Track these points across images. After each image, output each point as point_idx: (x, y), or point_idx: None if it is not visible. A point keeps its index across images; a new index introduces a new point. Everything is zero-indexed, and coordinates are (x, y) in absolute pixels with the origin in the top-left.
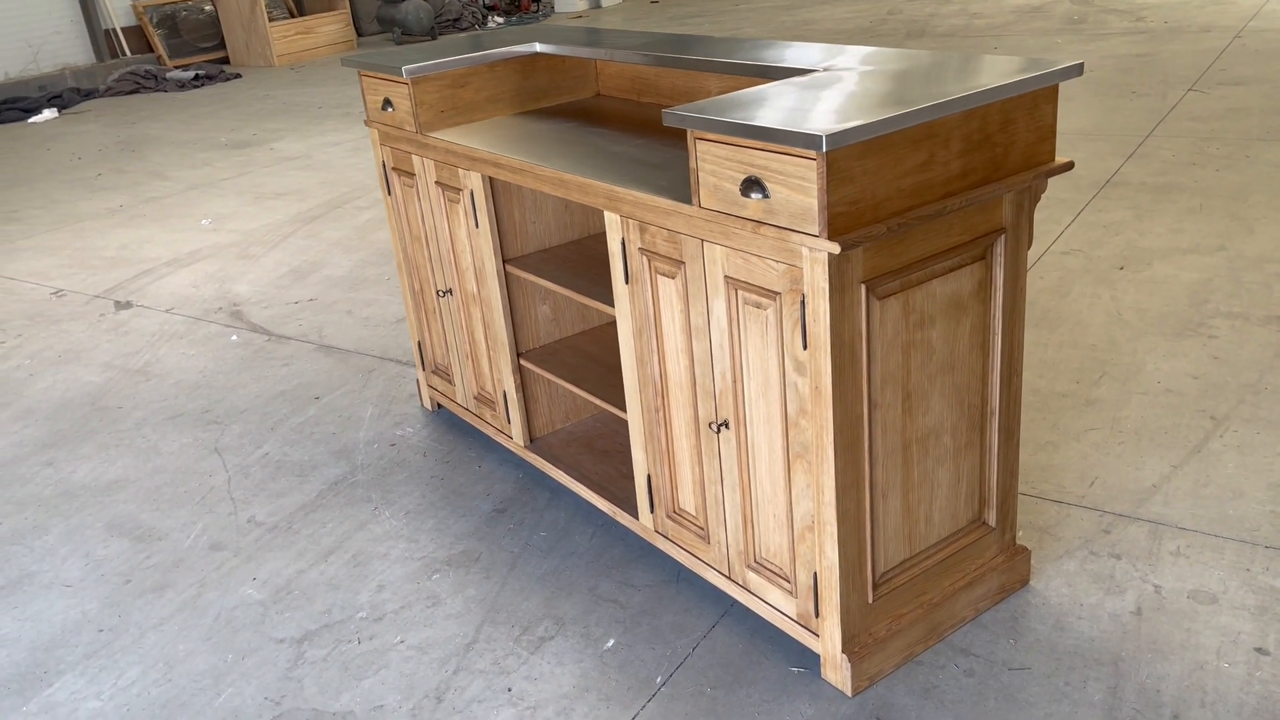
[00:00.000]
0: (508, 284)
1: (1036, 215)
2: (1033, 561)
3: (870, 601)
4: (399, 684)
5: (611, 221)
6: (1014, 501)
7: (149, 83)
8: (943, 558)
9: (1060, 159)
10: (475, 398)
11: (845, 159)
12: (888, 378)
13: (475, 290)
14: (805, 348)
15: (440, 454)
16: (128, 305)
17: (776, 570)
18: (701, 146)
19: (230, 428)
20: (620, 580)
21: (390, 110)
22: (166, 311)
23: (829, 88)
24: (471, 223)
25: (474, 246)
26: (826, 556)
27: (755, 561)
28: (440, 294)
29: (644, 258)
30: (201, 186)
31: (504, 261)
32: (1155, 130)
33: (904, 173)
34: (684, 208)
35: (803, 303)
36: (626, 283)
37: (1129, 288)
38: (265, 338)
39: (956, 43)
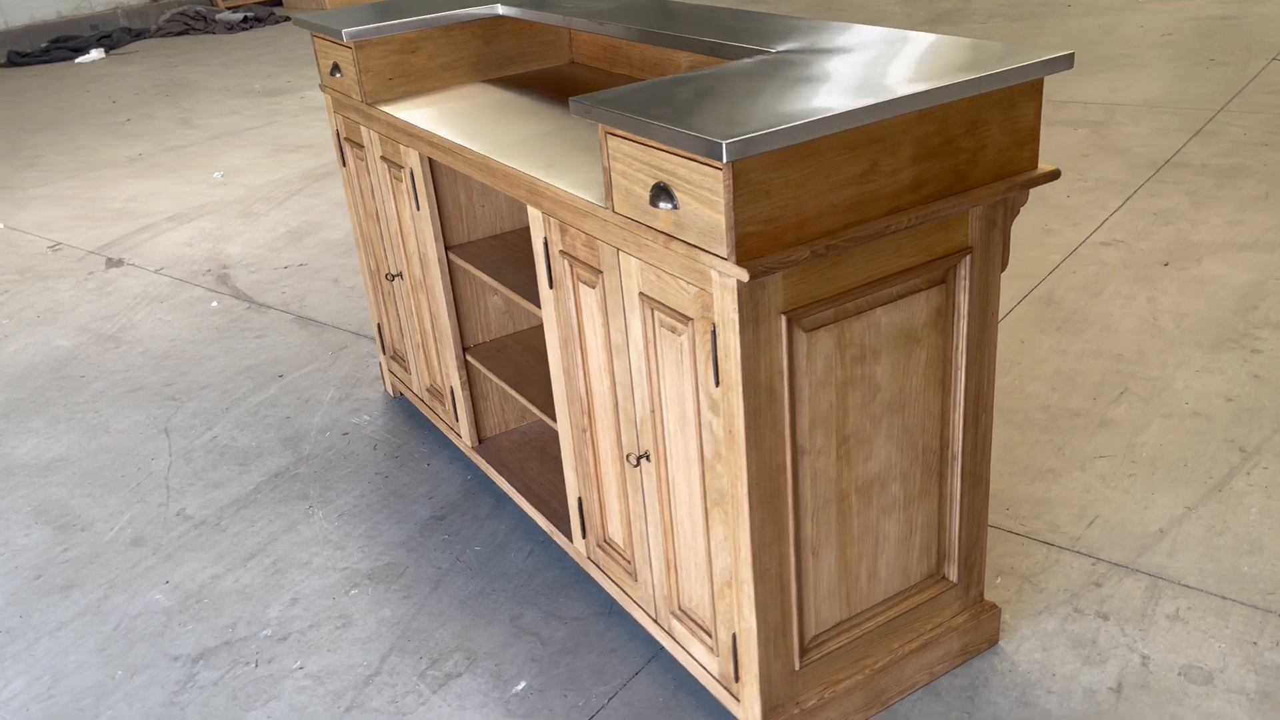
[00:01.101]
0: (451, 273)
1: (1079, 199)
2: (1007, 617)
3: (797, 669)
4: (307, 706)
5: (534, 217)
6: (981, 554)
7: (198, 24)
8: (890, 617)
9: (1044, 166)
10: (428, 390)
11: (757, 170)
12: (818, 421)
13: (421, 277)
14: (717, 384)
15: (391, 448)
16: (119, 263)
17: (699, 623)
18: (613, 143)
19: (186, 405)
20: (547, 610)
21: (339, 76)
22: (155, 272)
23: (776, 76)
24: (413, 204)
25: (417, 230)
26: (744, 619)
27: (679, 609)
28: (389, 277)
29: (565, 262)
30: (225, 136)
31: (446, 248)
32: (1229, 104)
33: (837, 185)
34: (600, 210)
35: (714, 333)
36: (550, 287)
37: (1170, 288)
38: (245, 305)
39: (1029, 9)
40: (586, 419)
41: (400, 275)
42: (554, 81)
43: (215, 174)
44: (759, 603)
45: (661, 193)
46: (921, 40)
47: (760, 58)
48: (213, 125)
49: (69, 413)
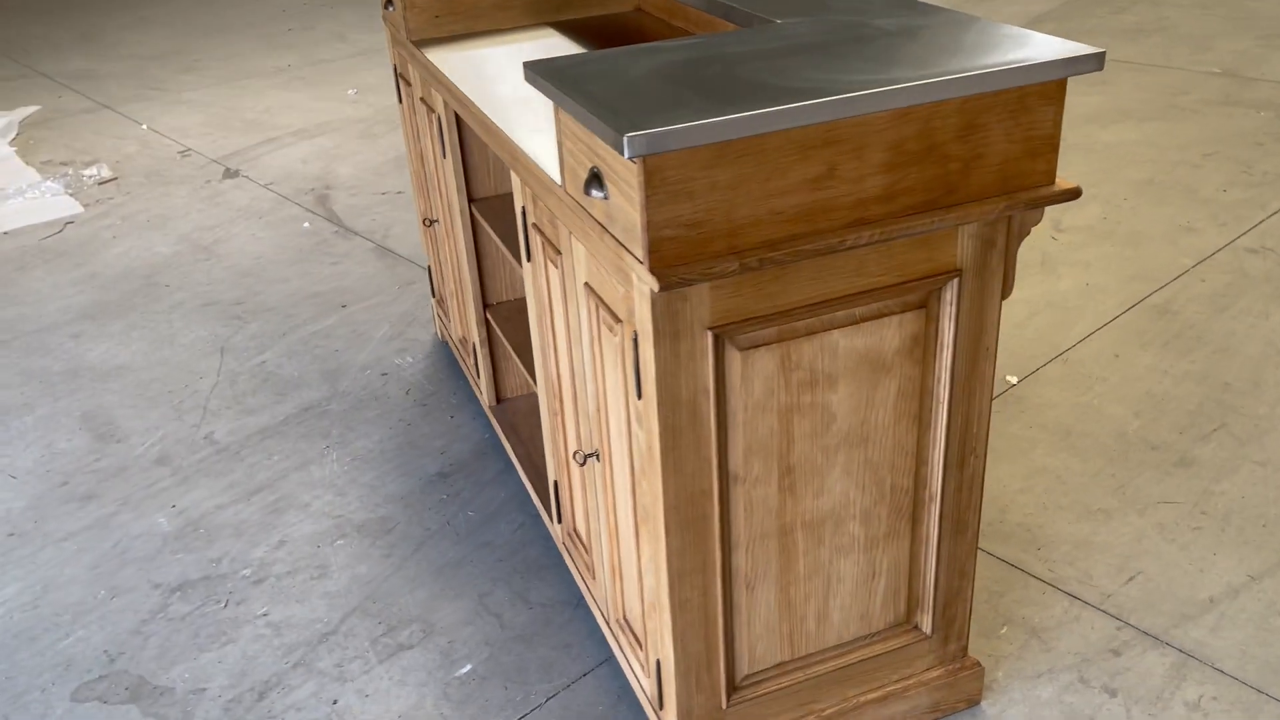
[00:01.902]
0: (474, 226)
1: (1236, 195)
2: (999, 675)
3: (724, 706)
4: (234, 666)
5: (515, 183)
6: (964, 606)
7: None
8: (845, 664)
9: (1062, 183)
10: (460, 340)
11: (677, 167)
12: (756, 447)
13: (450, 226)
14: (639, 396)
15: (422, 394)
16: (234, 175)
17: (636, 638)
18: (561, 117)
19: (248, 326)
20: (517, 591)
21: (391, 9)
22: (264, 186)
23: (752, 54)
24: (439, 151)
25: (443, 178)
26: (665, 645)
27: (623, 618)
28: (427, 222)
29: (536, 235)
30: (371, 53)
31: (470, 200)
32: None
33: (782, 190)
34: (556, 188)
35: (635, 340)
36: (528, 259)
37: None
38: (334, 229)
39: None
40: (557, 402)
41: (437, 221)
42: (613, 30)
43: (349, 91)
44: (676, 633)
45: (595, 179)
46: (960, 25)
47: (757, 29)
48: (364, 41)
49: (145, 320)
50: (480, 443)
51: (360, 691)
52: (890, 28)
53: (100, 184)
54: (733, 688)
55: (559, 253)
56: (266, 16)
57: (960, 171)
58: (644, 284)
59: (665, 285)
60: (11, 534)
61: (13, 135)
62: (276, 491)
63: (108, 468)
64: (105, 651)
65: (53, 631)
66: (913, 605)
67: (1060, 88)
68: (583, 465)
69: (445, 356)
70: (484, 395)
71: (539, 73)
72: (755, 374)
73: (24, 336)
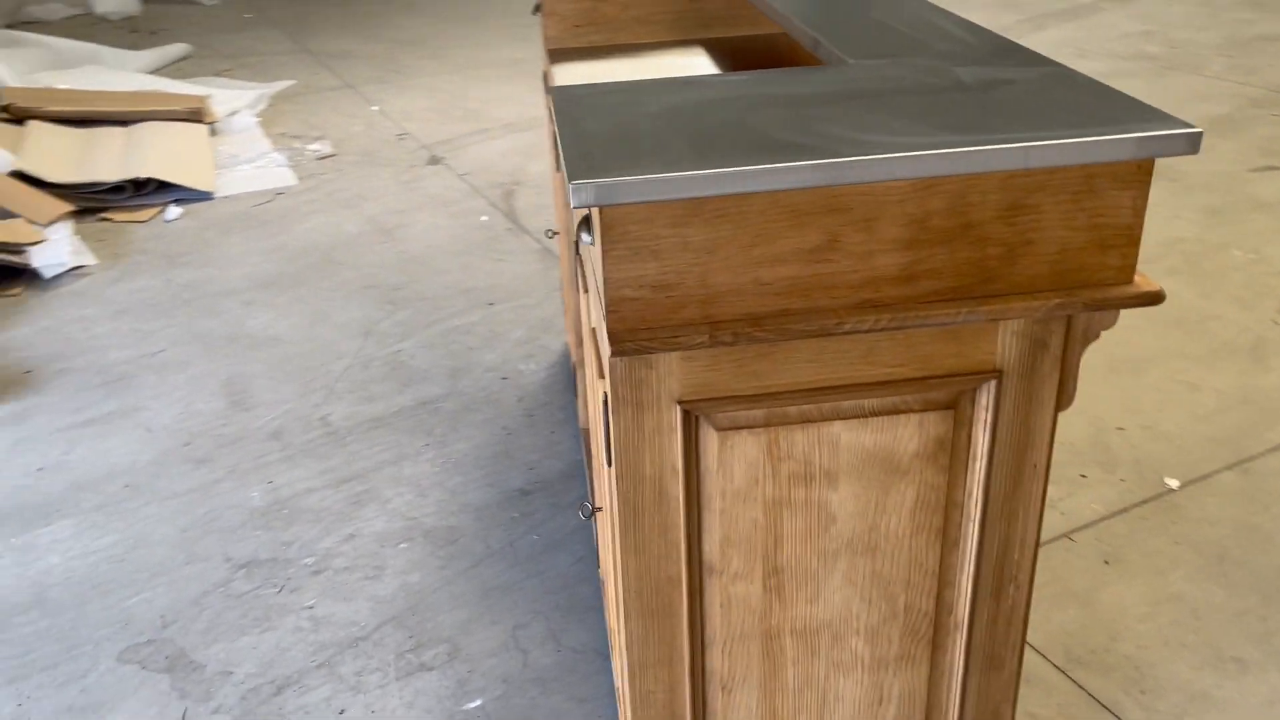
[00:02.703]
0: (577, 245)
1: None
2: None
3: None
4: (265, 655)
5: (556, 205)
6: None
7: None
8: None
9: (1143, 282)
10: (575, 354)
11: (639, 222)
12: (736, 540)
13: (564, 240)
14: (609, 464)
15: (533, 405)
16: (436, 162)
17: (628, 711)
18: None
19: (398, 313)
20: (553, 629)
21: (539, 14)
22: (460, 176)
23: (792, 97)
24: (555, 162)
25: (558, 190)
26: None
27: (622, 687)
28: (549, 234)
29: (579, 263)
30: None
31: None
32: None
33: (770, 258)
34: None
35: (606, 404)
36: (584, 290)
37: None
38: (508, 226)
39: None
40: (590, 442)
41: (557, 234)
42: (755, 52)
43: None
44: None
45: (584, 223)
46: (1053, 82)
47: (821, 70)
48: None
49: (309, 295)
50: (572, 464)
51: (368, 707)
52: (968, 79)
53: (319, 159)
54: None
55: (586, 290)
56: (518, 8)
57: (1002, 258)
58: (604, 345)
59: (619, 351)
60: (127, 485)
61: (262, 107)
62: (365, 483)
63: (228, 434)
64: (162, 617)
65: (126, 588)
66: None
67: (1141, 170)
68: (587, 519)
69: (568, 369)
70: (581, 416)
71: (558, 98)
72: (735, 459)
73: (205, 298)
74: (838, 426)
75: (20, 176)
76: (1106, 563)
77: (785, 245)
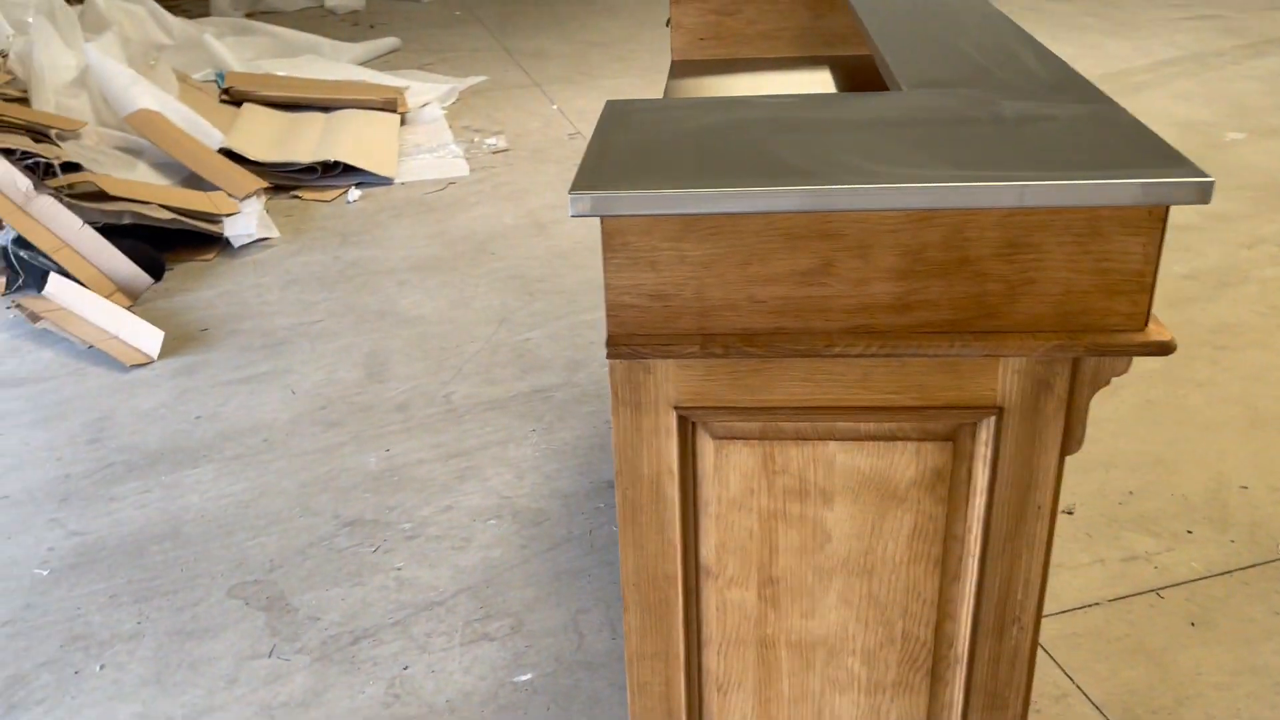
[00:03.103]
0: None
1: None
2: None
3: None
4: (349, 608)
5: None
6: None
7: None
8: None
9: (1155, 332)
10: None
11: (638, 233)
12: (732, 546)
13: None
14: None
15: None
16: None
17: None
18: None
19: (534, 303)
20: (612, 617)
21: (669, 26)
22: None
23: (824, 120)
24: None
25: None
26: None
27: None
28: None
29: None
30: None
31: None
32: None
33: (765, 277)
34: None
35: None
36: None
37: None
38: None
39: None
40: None
41: None
42: (871, 71)
43: None
44: (635, 713)
45: None
46: (1096, 121)
47: (872, 96)
48: None
49: (457, 280)
50: None
51: (430, 666)
52: (1009, 113)
53: (493, 153)
54: None
55: None
56: None
57: (1002, 295)
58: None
59: (614, 354)
60: (265, 440)
61: (452, 100)
62: (471, 460)
63: (360, 403)
64: (271, 560)
65: (246, 531)
66: None
67: (1152, 217)
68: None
69: None
70: None
71: (606, 112)
72: (731, 468)
73: (365, 275)
74: (833, 447)
75: (227, 153)
76: (1192, 624)
77: (779, 266)
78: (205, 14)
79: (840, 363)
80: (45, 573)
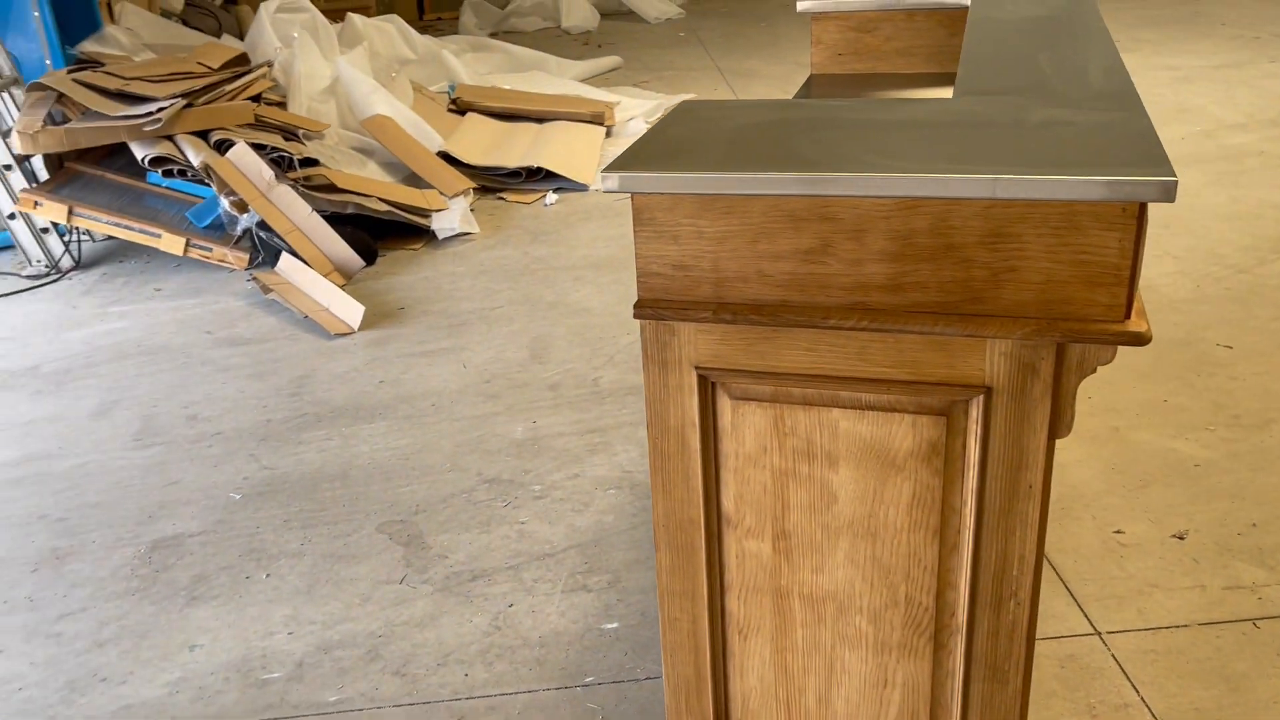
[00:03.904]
0: None
1: None
2: None
3: None
4: (474, 551)
5: None
6: None
7: None
8: None
9: (1135, 323)
10: None
11: (662, 210)
12: (748, 499)
13: None
14: None
15: None
16: None
17: None
18: None
19: None
20: None
21: (811, 43)
22: None
23: (875, 118)
24: None
25: None
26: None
27: None
28: None
29: None
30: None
31: None
32: None
33: (772, 254)
34: None
35: None
36: None
37: None
38: None
39: None
40: None
41: None
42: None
43: None
44: (666, 646)
45: None
46: (1112, 129)
47: (919, 101)
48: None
49: (626, 278)
50: None
51: (531, 607)
52: (1035, 118)
53: None
54: None
55: None
56: None
57: (986, 280)
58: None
59: (641, 314)
60: (433, 405)
61: (657, 116)
62: (604, 436)
63: (518, 380)
64: (417, 505)
65: (401, 479)
66: None
67: (1126, 214)
68: None
69: None
70: None
71: (678, 109)
72: (746, 426)
73: (546, 270)
74: (836, 413)
75: (445, 156)
76: None
77: (784, 244)
78: (454, 33)
79: (839, 335)
80: (238, 497)
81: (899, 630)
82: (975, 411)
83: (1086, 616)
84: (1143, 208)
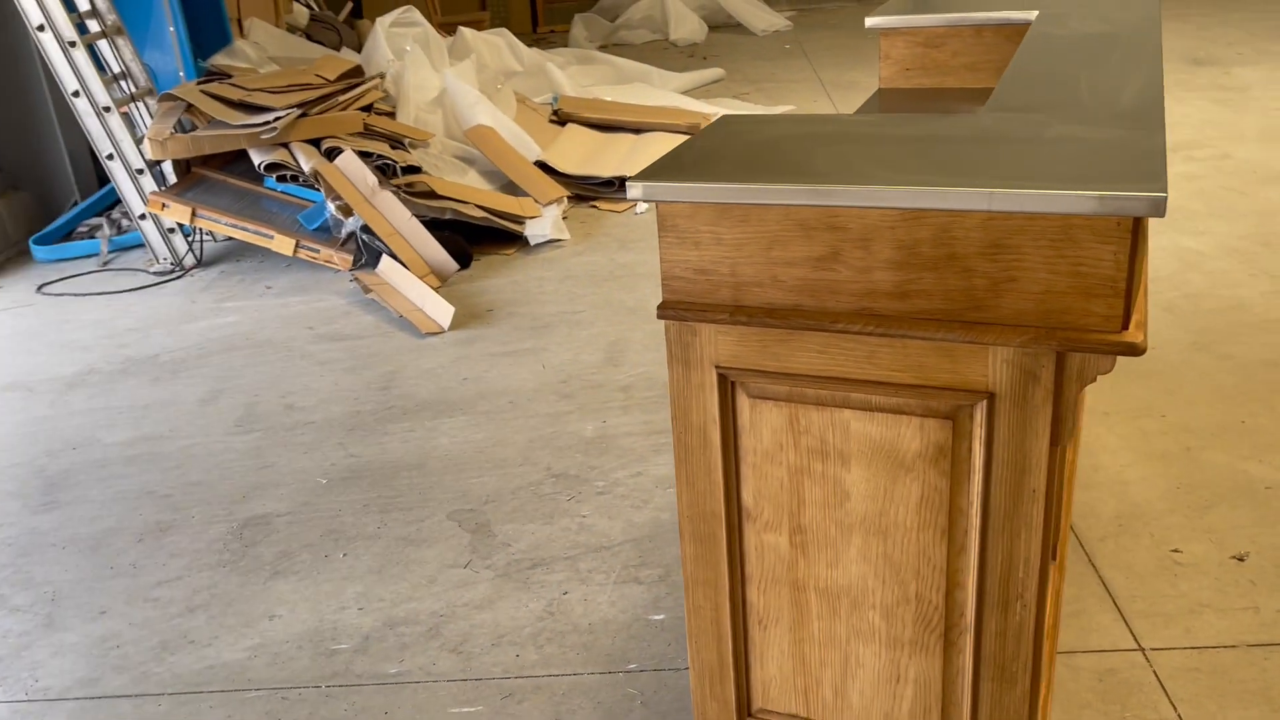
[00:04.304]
0: None
1: None
2: None
3: None
4: (536, 541)
5: None
6: None
7: None
8: None
9: (1130, 335)
10: None
11: (684, 217)
12: (766, 494)
13: None
14: None
15: None
16: None
17: None
18: None
19: None
20: None
21: (879, 58)
22: None
23: (896, 132)
24: None
25: None
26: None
27: None
28: None
29: None
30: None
31: None
32: None
33: (785, 261)
34: None
35: None
36: None
37: None
38: None
39: None
40: None
41: None
42: None
43: None
44: (691, 632)
45: None
46: (1123, 147)
47: (942, 117)
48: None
49: None
50: None
51: (584, 596)
52: (1051, 134)
53: None
54: (746, 712)
55: None
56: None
57: (988, 289)
58: None
59: (665, 315)
60: (510, 402)
61: None
62: (668, 438)
63: (593, 381)
64: (487, 496)
65: (473, 471)
66: None
67: (1120, 227)
68: None
69: None
70: None
71: (717, 123)
72: (763, 424)
73: (630, 277)
74: (848, 414)
75: (542, 165)
76: None
77: (797, 251)
78: (564, 45)
79: (849, 339)
80: (324, 481)
81: (910, 627)
82: (979, 416)
83: (1131, 631)
84: (1137, 222)
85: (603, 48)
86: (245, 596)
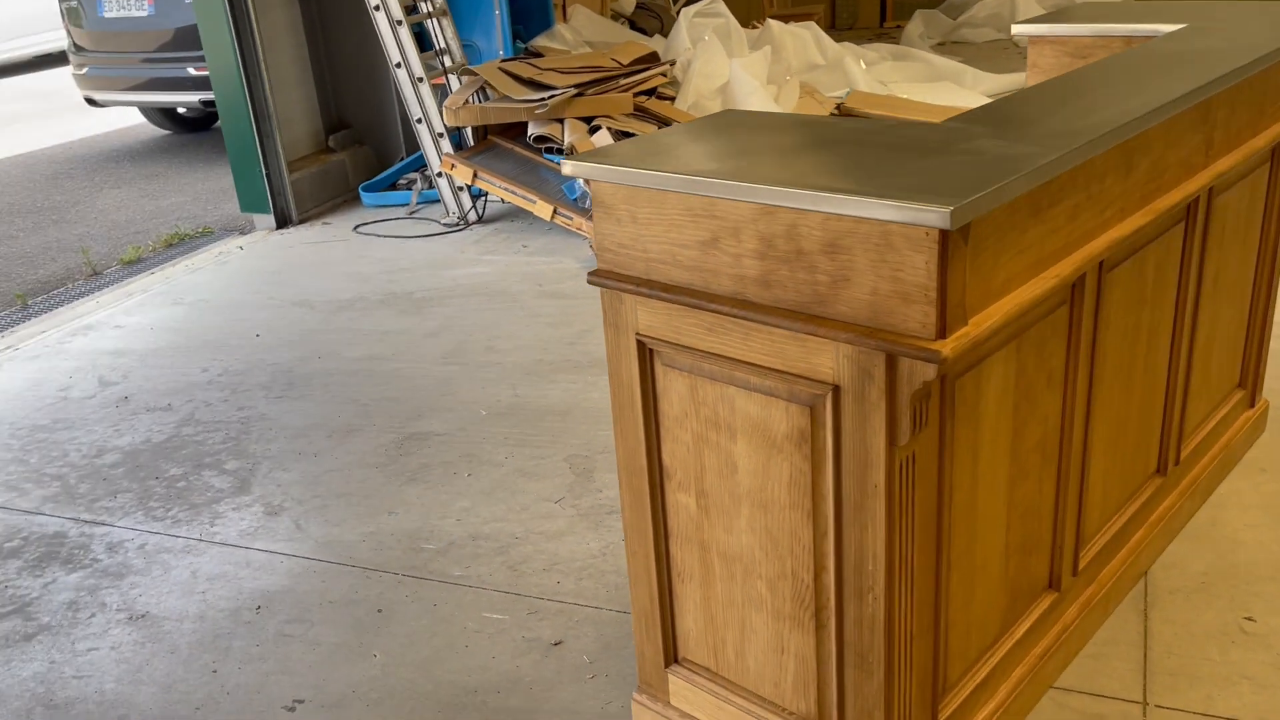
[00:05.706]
0: None
1: None
2: None
3: (664, 667)
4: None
5: None
6: None
7: None
8: (759, 713)
9: (940, 346)
10: None
11: (610, 196)
12: (678, 457)
13: None
14: None
15: None
16: None
17: None
18: None
19: None
20: None
21: (1027, 67)
22: None
23: (866, 134)
24: None
25: None
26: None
27: None
28: None
29: None
30: None
31: None
32: None
33: (681, 243)
34: None
35: None
36: None
37: None
38: None
39: None
40: None
41: None
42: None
43: None
44: (631, 572)
45: None
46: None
47: (938, 126)
48: None
49: None
50: None
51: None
52: (963, 148)
53: None
54: (673, 658)
55: None
56: None
57: (829, 289)
58: None
59: (594, 283)
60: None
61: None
62: None
63: None
64: (605, 446)
65: (607, 424)
66: (823, 705)
67: (929, 237)
68: None
69: None
70: None
71: (709, 117)
72: (672, 391)
73: None
74: (733, 390)
75: None
76: None
77: (688, 235)
78: (896, 41)
79: (730, 320)
80: (484, 413)
81: (789, 602)
82: (829, 406)
83: (1144, 685)
84: (943, 234)
85: (940, 44)
86: (379, 494)
